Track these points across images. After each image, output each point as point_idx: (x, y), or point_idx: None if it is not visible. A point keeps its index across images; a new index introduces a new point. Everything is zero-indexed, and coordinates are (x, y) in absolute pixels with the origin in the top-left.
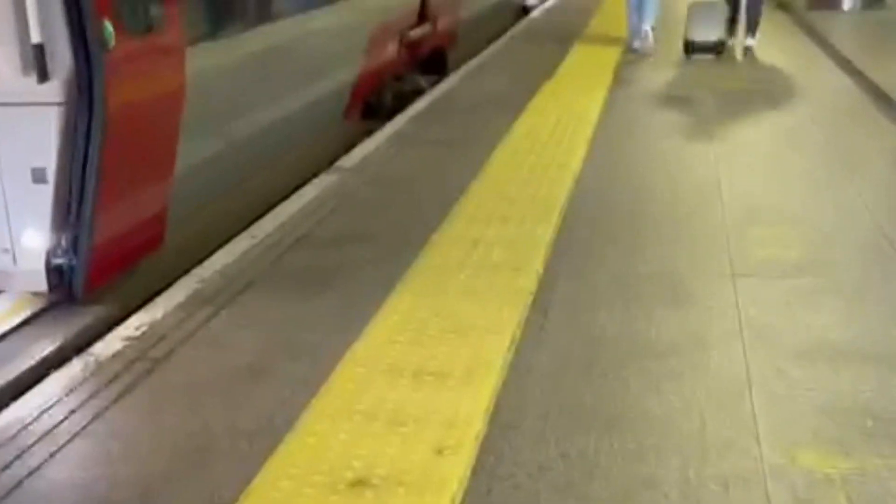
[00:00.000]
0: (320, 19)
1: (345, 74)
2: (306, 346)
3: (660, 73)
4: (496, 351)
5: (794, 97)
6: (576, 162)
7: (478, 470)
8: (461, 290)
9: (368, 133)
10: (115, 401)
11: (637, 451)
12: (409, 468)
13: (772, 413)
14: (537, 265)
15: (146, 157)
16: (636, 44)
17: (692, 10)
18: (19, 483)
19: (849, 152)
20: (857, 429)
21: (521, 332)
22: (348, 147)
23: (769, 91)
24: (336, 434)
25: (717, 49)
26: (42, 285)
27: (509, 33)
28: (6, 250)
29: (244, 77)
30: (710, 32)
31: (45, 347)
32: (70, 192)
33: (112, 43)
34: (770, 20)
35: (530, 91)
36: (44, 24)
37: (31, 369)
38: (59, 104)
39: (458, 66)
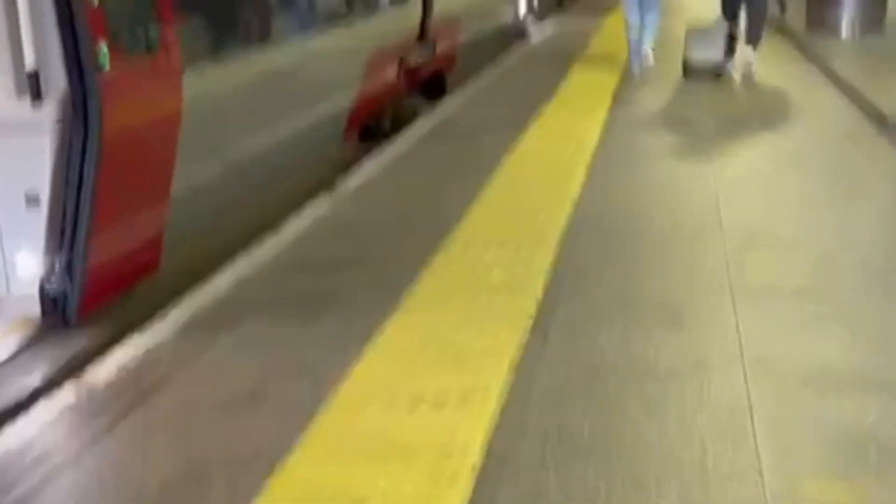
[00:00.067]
0: (318, 43)
1: (343, 98)
2: (303, 372)
3: (659, 96)
4: (494, 376)
5: (793, 120)
6: (575, 185)
7: (475, 500)
8: (459, 315)
9: (366, 156)
10: (108, 429)
11: (637, 478)
12: (403, 501)
13: (774, 440)
14: (536, 289)
15: (141, 180)
16: (636, 67)
17: (691, 32)
18: None
19: (849, 176)
20: (861, 457)
21: (520, 356)
22: (346, 169)
23: (768, 114)
24: (330, 465)
25: (716, 71)
26: (35, 311)
27: (508, 55)
28: None
29: (242, 100)
30: (708, 54)
31: (37, 374)
32: (64, 217)
33: (107, 65)
34: (769, 44)
35: (529, 114)
36: (38, 47)
37: (23, 396)
38: (52, 127)
39: (457, 89)
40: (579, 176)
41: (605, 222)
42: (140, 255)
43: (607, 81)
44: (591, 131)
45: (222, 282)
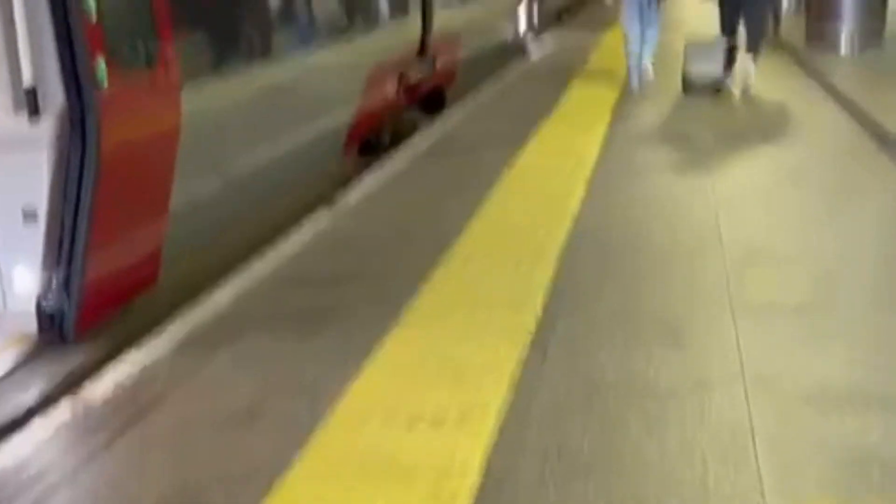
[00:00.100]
0: (318, 58)
1: (343, 113)
2: (301, 388)
3: (658, 111)
4: (494, 393)
5: (793, 135)
6: (574, 200)
7: None
8: (459, 330)
9: (366, 170)
10: (105, 446)
11: (638, 498)
12: None
13: (776, 460)
14: (535, 305)
15: (140, 195)
16: (635, 82)
17: (690, 47)
18: None
19: (850, 191)
20: (864, 477)
21: (520, 373)
22: (346, 183)
23: (768, 129)
24: (328, 483)
25: (716, 86)
26: (32, 327)
27: (507, 70)
28: None
29: (241, 115)
30: (708, 69)
31: (34, 391)
32: (61, 232)
33: (105, 81)
34: (768, 59)
35: (529, 129)
36: (35, 62)
37: (19, 413)
38: (50, 143)
39: (456, 104)
40: (579, 191)
41: (605, 237)
42: (138, 271)
43: (607, 96)
44: (590, 146)
45: (221, 297)
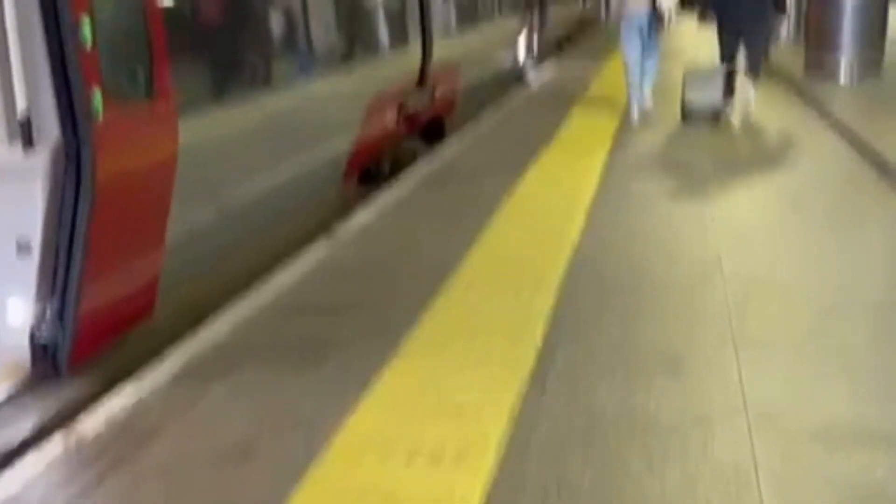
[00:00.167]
0: (318, 88)
1: (343, 142)
2: (298, 422)
3: (658, 139)
4: (493, 426)
5: (793, 165)
6: (574, 229)
7: None
8: (457, 363)
9: (366, 199)
10: (97, 482)
11: None
12: None
13: (781, 498)
14: (535, 336)
15: (135, 226)
16: (635, 111)
17: (689, 75)
18: None
19: (852, 221)
20: None
21: (519, 406)
22: (345, 212)
23: (769, 158)
24: None
25: (715, 115)
26: (25, 359)
27: (508, 99)
28: None
29: (240, 145)
30: (707, 98)
31: (26, 424)
32: (56, 264)
33: (101, 111)
34: (767, 88)
35: (529, 157)
36: (30, 93)
37: (9, 448)
38: (45, 174)
39: (456, 133)
40: (579, 220)
41: (605, 267)
42: (134, 302)
43: (606, 125)
44: (590, 175)
45: (218, 328)
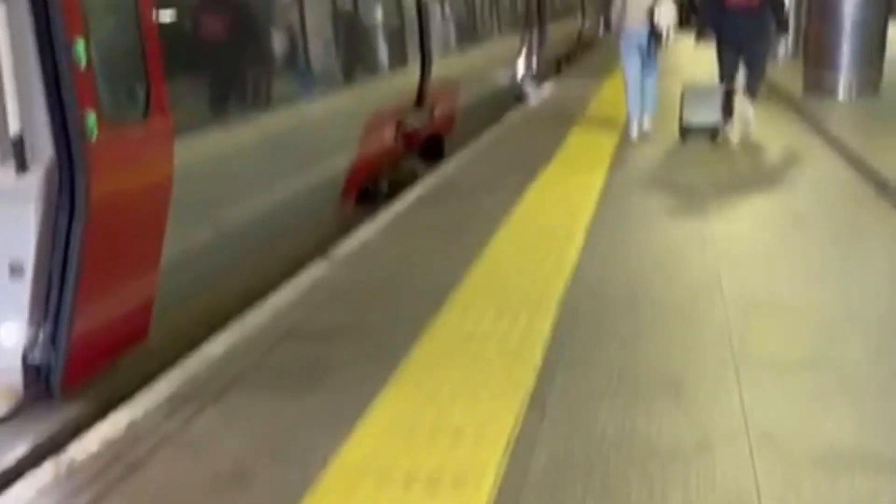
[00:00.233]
0: (316, 107)
1: (340, 161)
2: (292, 449)
3: (656, 158)
4: (491, 452)
5: (793, 183)
6: (573, 249)
7: None
8: (455, 387)
9: (363, 219)
10: None
11: None
12: None
13: None
14: (535, 359)
15: (130, 248)
16: (634, 130)
17: (687, 94)
18: None
19: (852, 239)
20: None
21: (518, 431)
22: (343, 232)
23: (768, 176)
24: None
25: (713, 133)
26: (18, 382)
27: (507, 118)
28: None
29: (236, 165)
30: (706, 116)
31: (18, 449)
32: (49, 287)
33: (95, 132)
34: (767, 107)
35: (528, 177)
36: (23, 113)
37: (2, 472)
38: (38, 195)
39: (456, 152)
40: (578, 239)
41: (604, 288)
42: (128, 325)
43: (606, 144)
44: (589, 193)
45: (213, 351)
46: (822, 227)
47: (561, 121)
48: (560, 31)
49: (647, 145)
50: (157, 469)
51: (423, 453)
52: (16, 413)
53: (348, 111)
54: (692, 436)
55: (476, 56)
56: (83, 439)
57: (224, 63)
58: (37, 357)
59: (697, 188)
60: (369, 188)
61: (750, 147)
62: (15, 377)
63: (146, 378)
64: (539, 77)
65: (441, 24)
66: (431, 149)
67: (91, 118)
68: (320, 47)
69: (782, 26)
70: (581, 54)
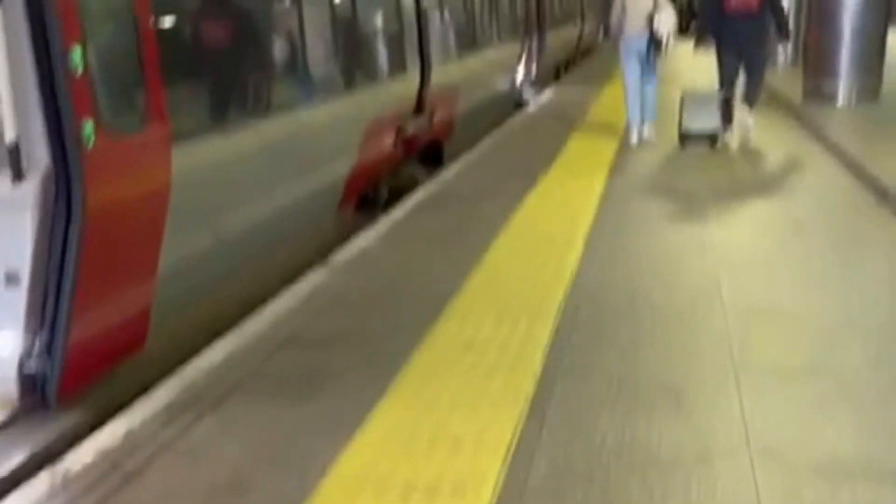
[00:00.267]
0: (315, 114)
1: (339, 169)
2: (291, 457)
3: (656, 165)
4: (490, 461)
5: (793, 190)
6: (573, 256)
7: None
8: (454, 396)
9: (363, 226)
10: None
11: None
12: None
13: None
14: (534, 367)
15: (127, 256)
16: (634, 137)
17: (686, 100)
18: None
19: (852, 246)
20: None
21: (517, 440)
22: (343, 239)
23: (768, 183)
24: None
25: (712, 140)
26: (13, 391)
27: (507, 124)
28: None
29: (235, 172)
30: (704, 123)
31: (13, 459)
32: (45, 295)
33: (92, 141)
34: (766, 113)
35: (528, 183)
36: (19, 121)
37: None
38: (34, 204)
39: (455, 158)
40: (578, 246)
41: (604, 295)
42: (125, 334)
43: (605, 150)
44: (589, 200)
45: (211, 358)
46: (821, 234)
47: (561, 126)
48: (559, 38)
49: (647, 151)
50: (155, 478)
51: (422, 462)
52: (11, 422)
53: (348, 118)
54: (692, 444)
55: (475, 62)
56: (79, 449)
57: (222, 70)
58: (33, 366)
59: (697, 194)
60: (369, 195)
61: (749, 153)
62: (10, 386)
63: (144, 387)
64: (538, 83)
65: (440, 30)
66: (430, 155)
67: (88, 126)
68: (320, 54)
69: (784, 31)
70: (581, 60)
